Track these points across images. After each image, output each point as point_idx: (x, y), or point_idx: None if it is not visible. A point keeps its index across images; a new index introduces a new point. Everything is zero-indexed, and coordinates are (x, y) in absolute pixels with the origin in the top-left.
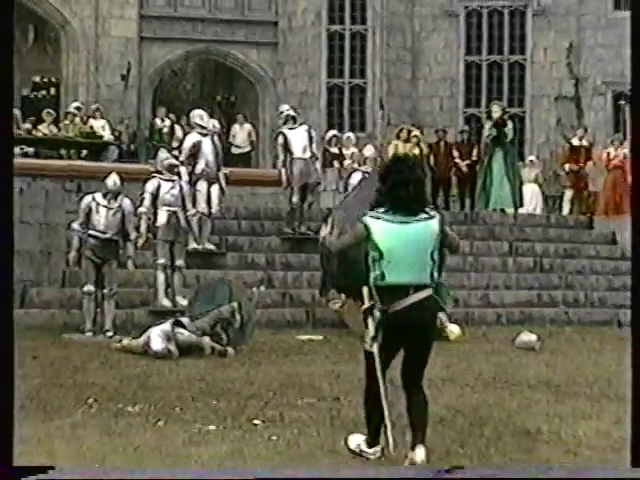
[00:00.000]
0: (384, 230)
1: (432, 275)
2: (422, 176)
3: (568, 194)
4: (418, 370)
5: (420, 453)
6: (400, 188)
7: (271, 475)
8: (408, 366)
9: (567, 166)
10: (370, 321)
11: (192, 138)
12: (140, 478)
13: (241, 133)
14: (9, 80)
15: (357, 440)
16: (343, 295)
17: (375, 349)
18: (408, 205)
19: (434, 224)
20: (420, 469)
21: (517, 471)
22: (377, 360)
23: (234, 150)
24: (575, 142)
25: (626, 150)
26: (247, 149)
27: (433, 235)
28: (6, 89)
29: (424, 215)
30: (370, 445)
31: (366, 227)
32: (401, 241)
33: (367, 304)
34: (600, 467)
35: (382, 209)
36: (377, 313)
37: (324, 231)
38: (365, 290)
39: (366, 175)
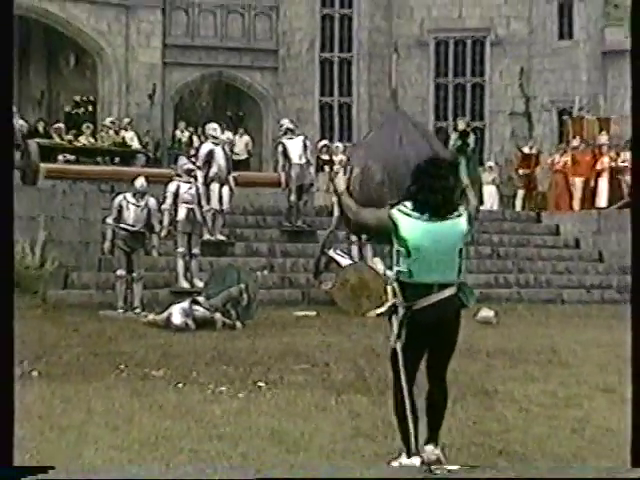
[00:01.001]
0: (412, 227)
1: (459, 271)
2: (453, 183)
3: (520, 193)
4: (442, 366)
5: (430, 450)
6: (430, 193)
7: (271, 475)
8: (432, 362)
9: (520, 170)
10: (394, 318)
11: (207, 147)
12: (140, 478)
13: (240, 143)
14: (9, 82)
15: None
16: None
17: (398, 347)
18: (436, 210)
19: (462, 221)
20: (420, 469)
21: (517, 471)
22: (400, 357)
23: (235, 157)
24: (526, 150)
25: (568, 158)
26: (245, 156)
27: (462, 233)
28: (6, 91)
29: (454, 213)
30: (409, 455)
31: (393, 222)
32: (430, 240)
33: (391, 301)
34: (600, 467)
35: (410, 205)
36: (401, 310)
37: (341, 182)
38: (389, 288)
39: (388, 116)
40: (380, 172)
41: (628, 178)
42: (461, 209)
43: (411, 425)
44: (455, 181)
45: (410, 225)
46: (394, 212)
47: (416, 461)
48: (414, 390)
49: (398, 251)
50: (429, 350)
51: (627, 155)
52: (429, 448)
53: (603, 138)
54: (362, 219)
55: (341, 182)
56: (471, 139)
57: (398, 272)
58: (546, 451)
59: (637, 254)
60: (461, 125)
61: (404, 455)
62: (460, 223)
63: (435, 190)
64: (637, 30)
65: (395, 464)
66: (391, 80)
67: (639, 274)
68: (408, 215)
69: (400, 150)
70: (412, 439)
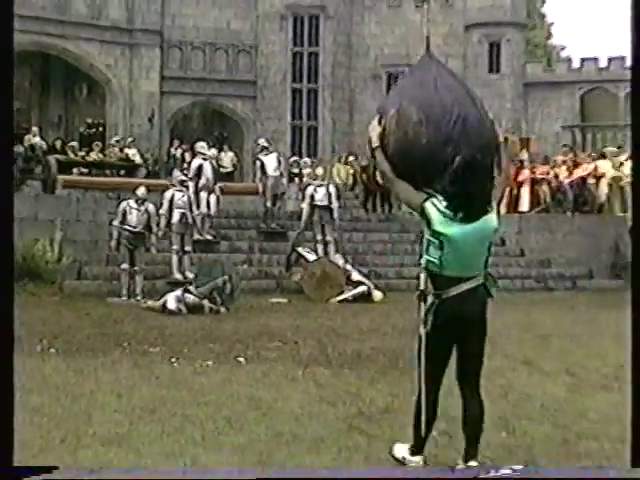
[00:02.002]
0: (446, 223)
1: (486, 263)
2: (487, 187)
3: None
4: (472, 368)
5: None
6: (466, 199)
7: (271, 475)
8: (461, 363)
9: None
10: (422, 305)
11: (197, 162)
12: (141, 478)
13: (226, 158)
14: (9, 86)
15: (402, 449)
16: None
17: (423, 333)
18: (469, 213)
19: (493, 218)
20: (420, 469)
21: (517, 471)
22: (423, 343)
23: (222, 170)
24: None
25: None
26: (230, 169)
27: (492, 229)
28: (6, 95)
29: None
30: (413, 453)
31: (425, 214)
32: (462, 237)
33: (422, 287)
34: (600, 467)
35: (444, 203)
36: (430, 298)
37: (373, 127)
38: (422, 275)
39: (421, 61)
40: (416, 112)
41: (545, 188)
42: (491, 207)
43: (423, 422)
44: (491, 182)
45: (443, 221)
46: (428, 206)
47: (417, 460)
48: (439, 388)
49: (429, 240)
50: (457, 352)
51: (543, 168)
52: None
53: (524, 155)
54: (395, 191)
55: (375, 135)
56: None
57: (428, 262)
58: None
59: (637, 254)
60: None
61: (399, 446)
62: (491, 220)
63: (471, 196)
64: (637, 31)
65: (399, 454)
66: (424, 29)
67: (638, 271)
68: (441, 213)
69: (435, 93)
70: (419, 436)
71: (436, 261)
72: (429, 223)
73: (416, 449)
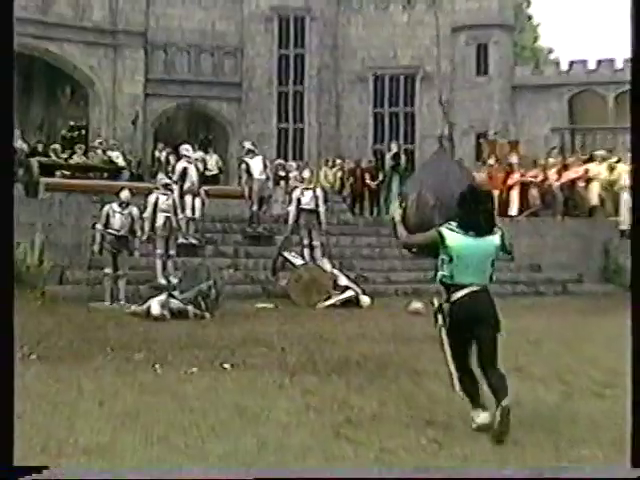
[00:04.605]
0: (456, 240)
1: (491, 277)
2: (492, 207)
3: None
4: (489, 355)
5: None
6: (474, 215)
7: (271, 475)
8: (479, 352)
9: None
10: (439, 315)
11: (181, 165)
12: (139, 478)
13: (211, 161)
14: (9, 90)
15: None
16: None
17: (443, 332)
18: (477, 229)
19: (496, 239)
20: (421, 469)
21: (517, 471)
22: (445, 341)
23: (207, 173)
24: None
25: (484, 174)
26: (215, 172)
27: (495, 247)
28: (7, 99)
29: (492, 231)
30: (479, 412)
31: (441, 235)
32: (469, 250)
33: (437, 303)
34: (600, 467)
35: (455, 224)
36: (445, 305)
37: (397, 214)
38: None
39: (437, 153)
40: (432, 198)
41: (534, 191)
42: (497, 229)
43: (470, 389)
44: (492, 206)
45: (454, 238)
46: (442, 228)
47: (485, 415)
48: (470, 369)
49: (442, 259)
50: (476, 343)
51: (533, 172)
52: (505, 402)
53: (513, 158)
54: (412, 242)
55: (397, 213)
56: (402, 159)
57: (442, 276)
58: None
59: (637, 257)
60: (394, 148)
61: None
62: (495, 240)
63: (477, 213)
64: (637, 31)
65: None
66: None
67: (639, 276)
68: (453, 231)
69: (447, 184)
70: (476, 396)
71: (447, 273)
72: (443, 242)
73: (479, 407)
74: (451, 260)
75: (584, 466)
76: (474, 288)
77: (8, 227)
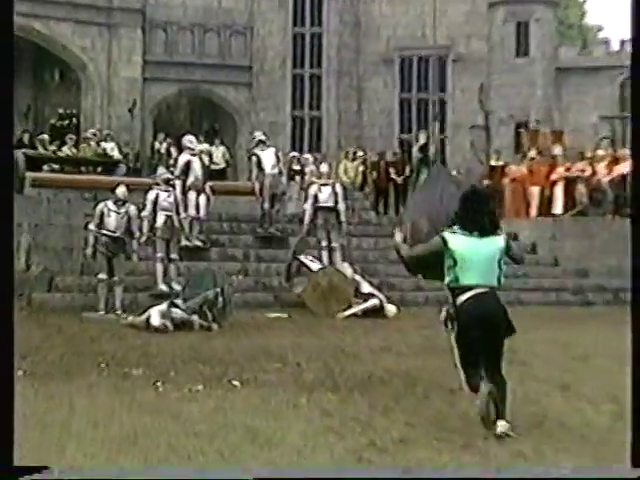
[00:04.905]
0: (459, 241)
1: (499, 280)
2: (494, 207)
3: None
4: (494, 357)
5: (502, 425)
6: (475, 215)
7: (271, 475)
8: (484, 356)
9: (485, 181)
10: (449, 323)
11: (184, 157)
12: (138, 478)
13: (218, 153)
14: (9, 88)
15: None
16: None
17: (452, 338)
18: (480, 229)
19: (500, 240)
20: (421, 469)
21: (517, 472)
22: (455, 346)
23: (213, 167)
24: (492, 162)
25: (524, 168)
26: (222, 166)
27: (499, 247)
28: (6, 97)
29: (495, 232)
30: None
31: (444, 240)
32: (472, 251)
33: (445, 310)
34: (600, 467)
35: (458, 226)
36: (451, 309)
37: (397, 236)
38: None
39: (433, 173)
40: (426, 225)
41: (581, 187)
42: (500, 232)
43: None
44: (494, 206)
45: (457, 241)
46: (444, 233)
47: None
48: (479, 372)
49: (448, 264)
50: (482, 345)
51: (579, 165)
52: (501, 423)
53: (557, 149)
54: (415, 253)
55: (398, 237)
56: (432, 151)
57: (449, 281)
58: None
59: (637, 262)
60: (422, 138)
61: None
62: (498, 240)
63: (478, 213)
64: (637, 32)
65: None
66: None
67: (638, 282)
68: (455, 233)
69: (441, 206)
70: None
71: (453, 277)
72: (446, 245)
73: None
74: (455, 263)
75: (584, 466)
76: (480, 290)
77: (8, 228)
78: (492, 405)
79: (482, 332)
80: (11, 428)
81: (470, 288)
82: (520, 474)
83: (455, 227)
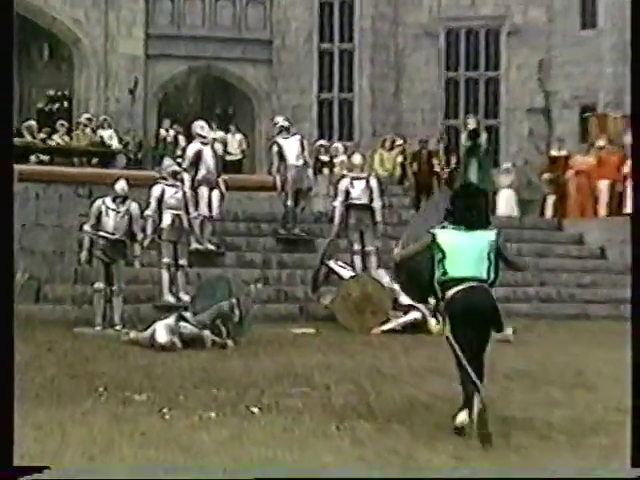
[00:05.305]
0: (448, 235)
1: (488, 272)
2: (484, 203)
3: (550, 200)
4: (479, 348)
5: (462, 417)
6: (467, 212)
7: (271, 475)
8: (470, 349)
9: (545, 175)
10: (438, 314)
11: (194, 147)
12: (138, 478)
13: (233, 142)
14: (9, 85)
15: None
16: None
17: (448, 332)
18: (472, 225)
19: (491, 234)
20: (421, 469)
21: (517, 472)
22: (452, 341)
23: (227, 157)
24: (554, 153)
25: (592, 159)
26: (239, 157)
27: (489, 241)
28: (6, 93)
29: (486, 227)
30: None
31: (433, 236)
32: (461, 243)
33: (434, 302)
34: (600, 467)
35: (448, 222)
36: (442, 304)
37: (397, 249)
38: (431, 299)
39: (434, 197)
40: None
41: None
42: (491, 227)
43: (469, 387)
44: (485, 201)
45: (446, 235)
46: (434, 230)
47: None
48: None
49: (438, 259)
50: (469, 335)
51: None
52: (462, 416)
53: (630, 137)
54: (407, 253)
55: (398, 256)
56: (483, 139)
57: (438, 275)
58: None
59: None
60: (471, 124)
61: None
62: (489, 235)
63: (467, 207)
64: (637, 30)
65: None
66: None
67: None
68: (445, 228)
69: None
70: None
71: (442, 270)
72: (434, 240)
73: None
74: (445, 256)
75: (584, 466)
76: (471, 284)
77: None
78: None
79: (473, 324)
80: (11, 428)
81: (459, 281)
82: (520, 474)
83: (446, 223)
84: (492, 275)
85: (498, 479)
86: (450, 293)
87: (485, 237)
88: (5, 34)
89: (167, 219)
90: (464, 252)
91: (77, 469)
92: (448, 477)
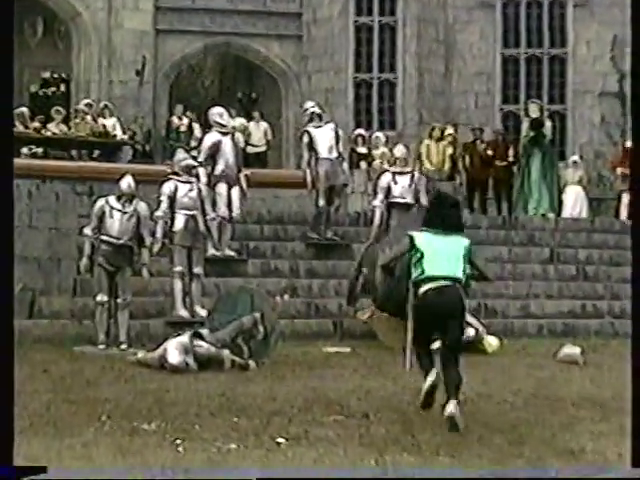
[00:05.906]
0: (425, 237)
1: (464, 273)
2: (459, 212)
3: (625, 199)
4: (451, 347)
5: (450, 406)
6: (440, 215)
7: (271, 475)
8: (443, 349)
9: (619, 169)
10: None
11: (211, 137)
12: (141, 479)
13: (257, 131)
14: (9, 78)
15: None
16: (373, 306)
17: (410, 326)
18: (444, 226)
19: (464, 239)
20: (421, 469)
21: (518, 472)
22: (409, 331)
23: (249, 149)
24: (629, 144)
25: None
26: (263, 149)
27: (463, 245)
28: (6, 87)
29: (459, 233)
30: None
31: (411, 238)
32: (437, 245)
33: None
34: (600, 467)
35: (426, 227)
36: (412, 300)
37: (382, 256)
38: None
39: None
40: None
41: None
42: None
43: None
44: (457, 209)
45: (424, 237)
46: (411, 232)
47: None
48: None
49: (415, 260)
50: (442, 337)
51: None
52: (450, 404)
53: None
54: (389, 257)
55: (387, 260)
56: (547, 128)
57: (415, 276)
58: None
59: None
60: (534, 111)
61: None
62: (462, 238)
63: (442, 212)
64: (637, 30)
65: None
66: None
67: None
68: (422, 231)
69: None
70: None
71: (420, 270)
72: (412, 242)
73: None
74: (422, 256)
75: (584, 466)
76: (443, 283)
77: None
78: (434, 394)
79: (442, 325)
80: (11, 428)
81: (433, 279)
82: (520, 474)
83: (423, 227)
84: (466, 275)
85: (500, 479)
86: (421, 291)
87: (459, 240)
88: (5, 33)
89: (180, 221)
90: (441, 252)
91: (77, 469)
92: (447, 477)
